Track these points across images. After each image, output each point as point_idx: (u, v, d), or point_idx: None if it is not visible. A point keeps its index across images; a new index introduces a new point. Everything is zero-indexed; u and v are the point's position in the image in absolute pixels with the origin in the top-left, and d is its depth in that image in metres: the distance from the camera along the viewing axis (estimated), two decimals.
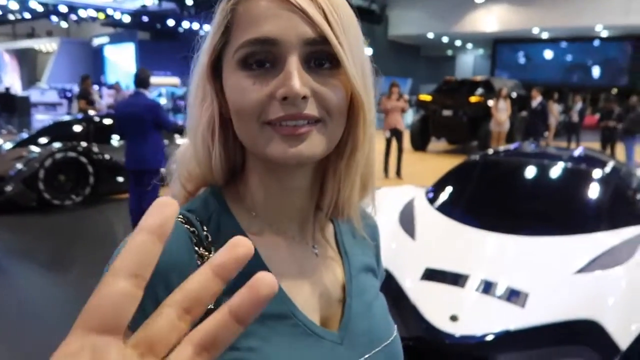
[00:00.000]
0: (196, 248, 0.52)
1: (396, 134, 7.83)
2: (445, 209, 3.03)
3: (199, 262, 0.51)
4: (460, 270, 2.42)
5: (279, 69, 0.50)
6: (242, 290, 0.24)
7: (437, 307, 2.27)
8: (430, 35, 24.01)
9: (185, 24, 21.77)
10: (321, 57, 0.51)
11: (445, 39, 25.15)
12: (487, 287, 2.32)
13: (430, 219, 2.95)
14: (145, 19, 22.47)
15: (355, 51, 0.53)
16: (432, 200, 3.17)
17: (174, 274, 0.48)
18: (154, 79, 4.96)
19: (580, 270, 2.41)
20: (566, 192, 3.14)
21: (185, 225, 0.53)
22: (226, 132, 0.56)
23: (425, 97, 12.07)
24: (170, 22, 22.04)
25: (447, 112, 11.28)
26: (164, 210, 0.24)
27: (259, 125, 0.51)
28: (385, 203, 3.12)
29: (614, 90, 20.55)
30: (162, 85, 19.81)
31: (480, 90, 11.58)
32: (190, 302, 0.24)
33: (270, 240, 0.58)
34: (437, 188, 3.37)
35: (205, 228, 0.54)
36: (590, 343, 2.11)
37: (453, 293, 2.32)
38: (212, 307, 0.50)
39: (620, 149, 9.33)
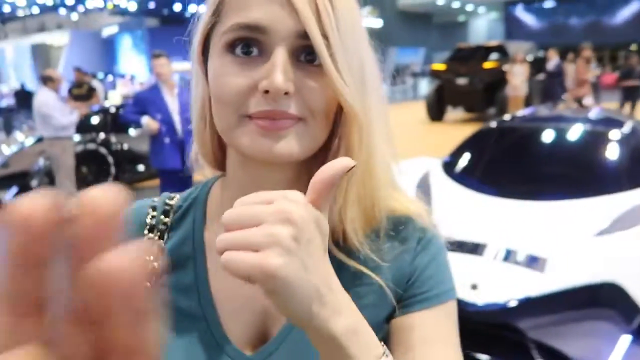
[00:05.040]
0: (146, 232, 0.54)
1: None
2: (462, 179, 3.02)
3: None
4: (478, 239, 2.43)
5: (266, 59, 0.47)
6: None
7: (456, 276, 2.28)
8: (440, 1, 23.47)
9: (192, 8, 21.70)
10: (313, 52, 0.47)
11: (456, 4, 24.55)
12: (506, 255, 2.32)
13: (447, 190, 2.94)
14: (152, 5, 22.45)
15: (351, 54, 0.47)
16: (448, 171, 3.16)
17: None
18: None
19: (601, 233, 2.40)
20: (584, 154, 3.10)
21: (149, 210, 0.56)
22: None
23: (439, 66, 11.88)
24: (177, 7, 22.01)
25: (462, 80, 11.09)
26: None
27: (237, 116, 0.48)
28: (400, 177, 3.12)
29: (633, 47, 19.90)
30: (176, 71, 19.85)
31: (494, 56, 11.35)
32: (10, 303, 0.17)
33: None
34: (453, 158, 3.35)
35: (170, 215, 0.56)
36: (612, 305, 2.12)
37: (472, 262, 2.34)
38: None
39: None
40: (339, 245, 0.52)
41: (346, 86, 0.47)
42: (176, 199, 0.57)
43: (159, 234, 0.54)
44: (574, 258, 2.28)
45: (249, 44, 0.47)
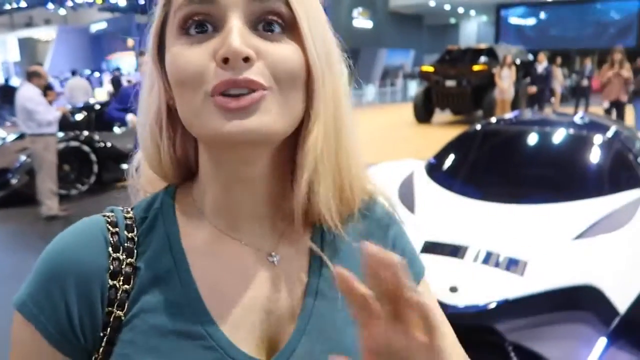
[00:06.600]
0: (111, 251, 0.48)
1: (617, 106, 7.65)
2: (445, 182, 3.03)
3: (111, 267, 0.47)
4: (459, 241, 2.43)
5: (221, 31, 0.44)
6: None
7: (436, 279, 2.29)
8: (432, 3, 23.55)
9: None
10: (270, 20, 0.45)
11: (447, 7, 24.67)
12: (486, 258, 2.33)
13: (430, 192, 2.94)
14: (142, 1, 22.28)
15: (314, 18, 0.46)
16: (431, 173, 3.17)
17: (71, 280, 0.46)
18: None
19: (580, 236, 2.41)
20: (566, 158, 3.12)
21: (108, 226, 0.49)
22: (174, 124, 0.50)
23: (428, 68, 11.93)
24: None
25: (450, 83, 11.16)
26: None
27: (202, 97, 0.44)
28: (384, 178, 3.12)
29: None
30: None
31: (483, 59, 11.43)
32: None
33: (213, 246, 0.50)
34: (437, 160, 3.35)
35: (135, 229, 0.50)
36: (589, 308, 2.13)
37: (452, 264, 2.34)
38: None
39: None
40: (315, 227, 0.52)
41: (315, 50, 0.45)
42: (132, 212, 0.52)
43: (126, 252, 0.48)
44: (553, 261, 2.29)
45: (202, 22, 0.44)
